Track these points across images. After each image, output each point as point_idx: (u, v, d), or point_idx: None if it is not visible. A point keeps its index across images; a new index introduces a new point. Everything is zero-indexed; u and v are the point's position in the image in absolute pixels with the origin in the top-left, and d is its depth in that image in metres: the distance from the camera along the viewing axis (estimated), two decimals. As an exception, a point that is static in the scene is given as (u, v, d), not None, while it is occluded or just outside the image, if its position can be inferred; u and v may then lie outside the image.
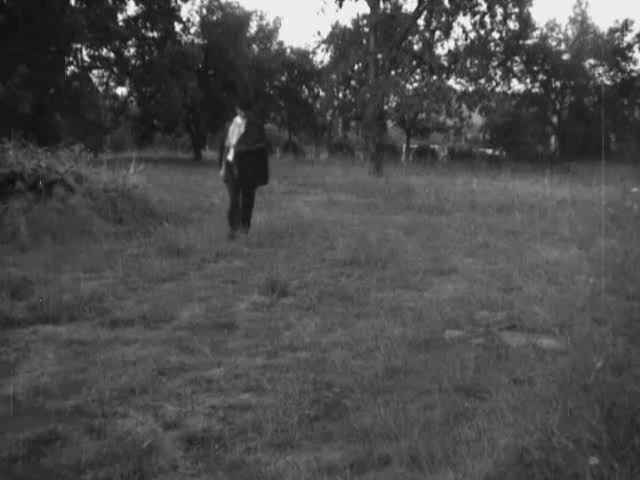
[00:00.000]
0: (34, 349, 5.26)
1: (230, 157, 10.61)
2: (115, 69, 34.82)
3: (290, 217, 12.49)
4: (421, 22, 34.02)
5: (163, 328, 5.86)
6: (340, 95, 45.20)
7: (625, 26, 40.98)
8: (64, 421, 4.01)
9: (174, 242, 9.47)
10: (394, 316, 6.22)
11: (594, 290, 7.12)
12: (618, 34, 41.15)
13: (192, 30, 38.14)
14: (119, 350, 5.22)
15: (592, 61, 42.39)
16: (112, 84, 37.61)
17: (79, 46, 32.07)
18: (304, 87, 48.54)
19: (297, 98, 47.69)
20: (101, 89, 36.93)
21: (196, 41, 37.69)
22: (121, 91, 38.56)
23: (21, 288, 6.75)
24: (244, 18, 40.62)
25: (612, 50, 40.97)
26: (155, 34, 34.24)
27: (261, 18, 44.11)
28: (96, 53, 33.51)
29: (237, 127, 10.72)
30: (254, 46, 43.86)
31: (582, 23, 42.18)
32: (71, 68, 32.68)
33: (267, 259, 8.76)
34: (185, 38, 36.78)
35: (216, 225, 11.14)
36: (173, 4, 34.05)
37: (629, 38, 41.03)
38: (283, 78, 47.08)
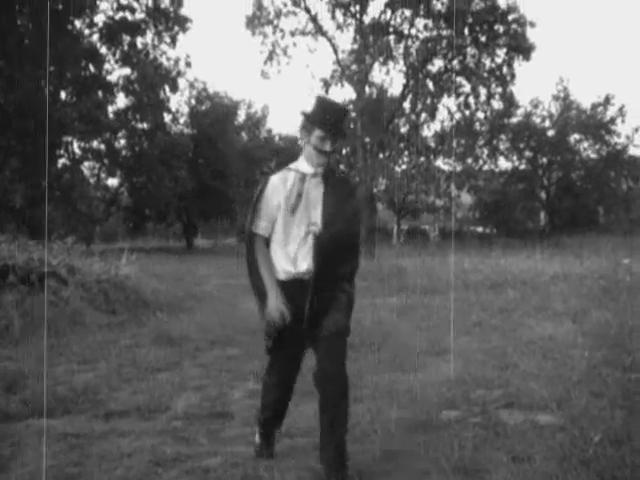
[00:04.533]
0: (28, 443, 5.19)
1: (297, 269, 4.49)
2: (106, 161, 35.16)
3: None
4: (407, 105, 34.72)
5: (158, 419, 5.81)
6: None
7: (607, 101, 41.73)
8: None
9: (167, 331, 9.46)
10: (390, 398, 6.19)
11: (590, 363, 7.12)
12: (601, 108, 41.86)
13: (181, 120, 38.77)
14: (114, 442, 5.17)
15: (577, 136, 42.98)
16: (103, 175, 37.92)
17: (70, 139, 32.48)
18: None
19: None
20: (92, 181, 37.23)
21: (185, 131, 38.22)
22: (112, 182, 38.89)
23: (15, 382, 6.70)
24: (232, 107, 41.27)
25: (596, 124, 41.62)
26: (145, 125, 34.70)
27: (249, 106, 44.81)
28: (87, 145, 33.88)
29: (302, 199, 4.51)
30: (243, 134, 44.42)
31: (565, 99, 42.91)
32: (62, 161, 33.03)
33: (262, 346, 8.73)
34: (175, 128, 37.32)
35: (209, 313, 11.12)
36: (162, 96, 34.60)
37: (611, 112, 41.74)
38: (272, 165, 47.55)
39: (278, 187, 4.53)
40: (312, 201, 4.50)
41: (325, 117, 4.40)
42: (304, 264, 4.46)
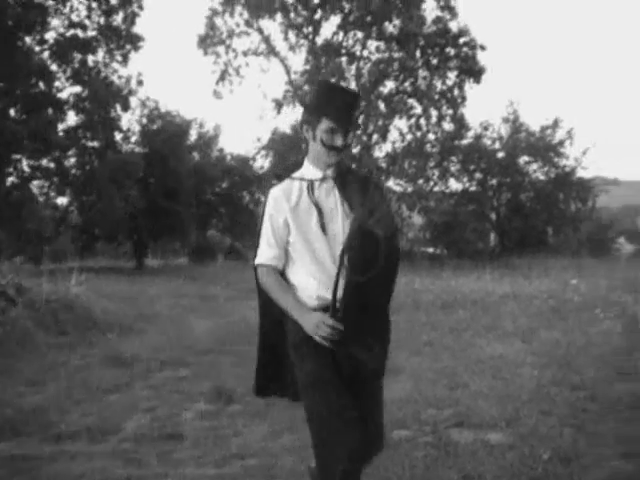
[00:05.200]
0: (-24, 468, 5.12)
1: (324, 293, 3.51)
2: (55, 179, 34.75)
3: (236, 323, 12.45)
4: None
5: (109, 440, 5.75)
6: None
7: (556, 123, 42.26)
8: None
9: (118, 352, 9.37)
10: (342, 418, 6.20)
11: (539, 382, 7.21)
12: (550, 131, 42.36)
13: (133, 139, 38.45)
14: (64, 464, 5.11)
15: (526, 158, 43.44)
16: (53, 194, 37.45)
17: (19, 157, 32.09)
18: (245, 193, 48.85)
19: (238, 204, 47.93)
20: (41, 199, 36.75)
21: (137, 149, 37.93)
22: (62, 201, 38.41)
23: (-39, 405, 6.60)
24: (184, 126, 41.09)
25: (545, 147, 42.13)
26: (95, 144, 34.38)
27: (201, 126, 44.60)
28: (36, 163, 33.48)
29: (326, 212, 3.62)
30: (194, 153, 44.24)
31: (515, 122, 43.39)
32: (11, 179, 32.60)
33: (213, 367, 8.71)
34: (126, 147, 37.03)
35: (160, 333, 11.06)
36: (113, 114, 34.35)
37: (560, 135, 42.26)
38: (224, 185, 47.35)
39: (281, 201, 3.66)
40: (327, 213, 3.58)
41: (334, 104, 3.51)
42: (337, 294, 3.43)
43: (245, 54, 33.47)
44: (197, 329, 10.96)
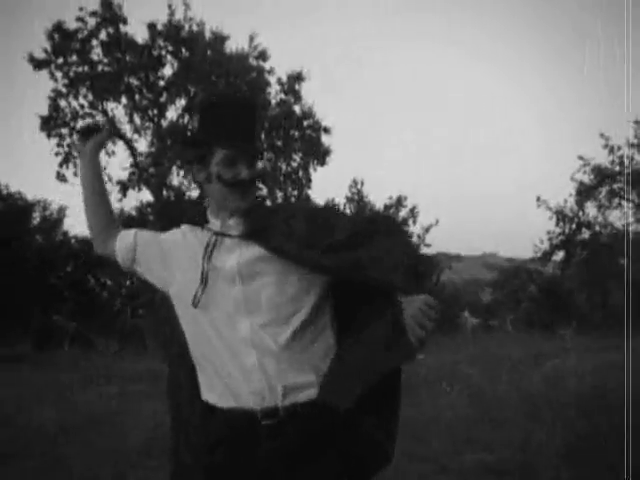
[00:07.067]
0: None
1: (241, 399, 2.40)
2: None
3: (79, 412, 12.05)
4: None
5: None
6: (127, 283, 44.92)
7: (399, 202, 43.47)
8: None
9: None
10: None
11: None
12: (393, 210, 43.48)
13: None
14: None
15: (371, 237, 44.52)
16: None
17: None
18: (90, 276, 47.83)
19: (84, 288, 46.84)
20: None
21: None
22: None
23: None
24: (27, 208, 40.12)
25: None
26: None
27: (44, 208, 43.60)
28: None
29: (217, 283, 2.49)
30: (37, 237, 43.11)
31: (359, 201, 44.37)
32: None
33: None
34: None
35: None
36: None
37: (403, 213, 43.42)
38: (68, 268, 46.23)
39: (179, 241, 2.67)
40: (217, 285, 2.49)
41: (225, 125, 2.44)
42: (252, 391, 2.39)
43: (90, 136, 33.02)
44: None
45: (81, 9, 30.61)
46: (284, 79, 34.08)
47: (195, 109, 2.61)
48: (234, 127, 2.45)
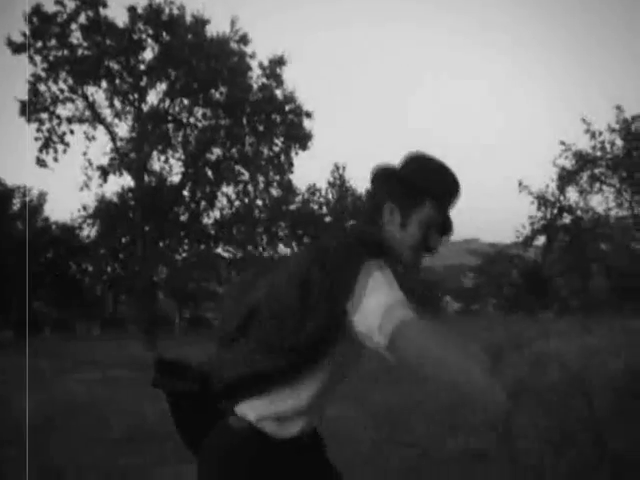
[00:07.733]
0: None
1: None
2: None
3: (60, 399, 11.96)
4: (186, 193, 34.93)
5: None
6: (109, 269, 44.78)
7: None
8: None
9: None
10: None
11: (374, 442, 7.28)
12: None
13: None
14: None
15: (353, 222, 44.54)
16: None
17: None
18: (71, 263, 47.68)
19: (65, 274, 46.69)
20: None
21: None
22: None
23: None
24: (7, 194, 39.86)
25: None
26: None
27: (24, 195, 43.39)
28: None
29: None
30: (18, 223, 42.88)
31: (341, 187, 44.45)
32: None
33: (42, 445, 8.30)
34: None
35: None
36: None
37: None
38: (49, 255, 46.08)
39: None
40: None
41: (446, 180, 2.38)
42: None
43: (70, 121, 32.79)
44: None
45: (60, -9, 30.31)
46: (265, 63, 33.94)
47: (415, 161, 2.41)
48: (453, 184, 2.38)
